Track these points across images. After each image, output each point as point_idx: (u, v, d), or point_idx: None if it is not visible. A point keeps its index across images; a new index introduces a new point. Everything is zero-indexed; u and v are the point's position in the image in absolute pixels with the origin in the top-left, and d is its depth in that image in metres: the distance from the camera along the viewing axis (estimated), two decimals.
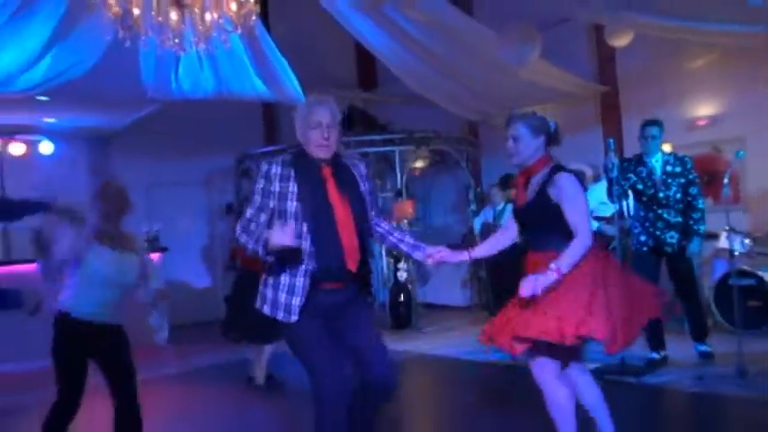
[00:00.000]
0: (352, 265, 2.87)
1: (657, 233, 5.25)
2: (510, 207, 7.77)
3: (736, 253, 5.87)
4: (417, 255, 3.21)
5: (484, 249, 3.39)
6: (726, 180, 5.05)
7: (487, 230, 7.95)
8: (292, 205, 2.83)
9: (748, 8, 5.11)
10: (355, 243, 2.88)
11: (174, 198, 10.16)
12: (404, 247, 3.24)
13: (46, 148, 8.83)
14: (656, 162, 5.27)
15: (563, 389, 3.01)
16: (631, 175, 5.32)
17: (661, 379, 4.98)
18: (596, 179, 7.71)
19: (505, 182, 8.45)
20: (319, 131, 2.86)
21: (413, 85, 8.07)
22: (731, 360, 4.85)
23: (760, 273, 6.10)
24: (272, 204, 2.86)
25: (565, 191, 2.97)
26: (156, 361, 7.24)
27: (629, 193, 5.50)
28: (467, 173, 9.32)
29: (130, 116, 8.53)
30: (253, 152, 9.36)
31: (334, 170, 2.94)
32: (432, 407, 5.25)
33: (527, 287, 2.81)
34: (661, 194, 5.21)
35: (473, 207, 9.10)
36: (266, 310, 2.92)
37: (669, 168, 5.22)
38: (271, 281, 2.92)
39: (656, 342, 5.34)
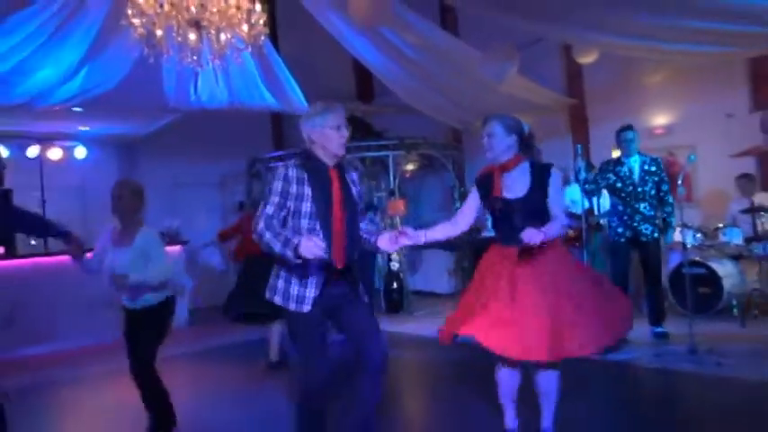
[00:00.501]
0: (340, 262, 2.83)
1: (635, 225, 5.33)
2: None
3: (689, 245, 5.91)
4: (381, 242, 2.99)
5: (436, 234, 3.21)
6: (679, 181, 5.09)
7: (475, 226, 7.97)
8: (307, 206, 2.80)
9: (696, 30, 5.14)
10: (345, 242, 2.86)
11: (192, 197, 10.14)
12: (373, 240, 3.08)
13: (80, 153, 8.80)
14: (634, 162, 5.37)
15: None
16: (611, 175, 5.40)
17: (623, 356, 5.00)
18: (567, 182, 7.75)
19: None
20: (339, 132, 2.85)
21: (404, 97, 8.06)
22: (684, 340, 4.89)
23: (709, 263, 6.14)
24: (288, 204, 2.81)
25: (555, 185, 3.07)
26: (177, 341, 7.23)
27: (603, 191, 5.58)
28: (452, 175, 9.32)
29: (154, 124, 8.51)
30: (262, 156, 9.34)
31: (339, 173, 2.91)
32: (420, 380, 5.26)
33: (532, 235, 2.81)
34: (639, 190, 5.30)
35: (458, 205, 9.12)
36: (277, 300, 2.88)
37: (646, 167, 5.34)
38: (283, 273, 2.88)
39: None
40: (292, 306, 2.83)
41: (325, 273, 2.82)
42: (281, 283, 2.88)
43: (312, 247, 2.58)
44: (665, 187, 5.35)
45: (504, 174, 3.10)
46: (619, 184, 5.37)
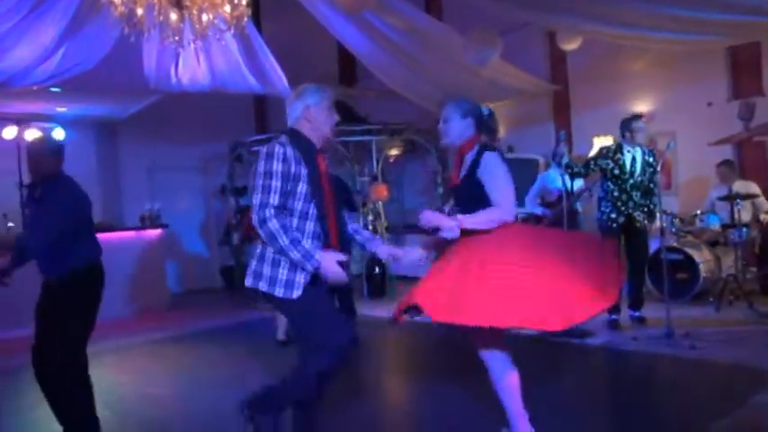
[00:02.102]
0: (336, 247, 2.74)
1: (629, 212, 5.40)
2: None
3: (667, 232, 6.01)
4: (381, 251, 3.02)
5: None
6: (658, 168, 5.16)
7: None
8: (303, 187, 2.67)
9: (678, 19, 5.19)
10: (337, 226, 2.79)
11: (173, 180, 10.08)
12: (359, 239, 3.04)
13: (59, 134, 8.66)
14: (637, 152, 5.40)
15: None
16: (609, 162, 5.42)
17: (601, 340, 5.10)
18: (548, 166, 7.83)
19: None
20: (332, 114, 2.82)
21: (388, 81, 8.04)
22: (661, 324, 4.98)
23: (686, 249, 6.24)
24: (288, 187, 2.65)
25: (487, 168, 2.81)
26: (158, 325, 7.23)
27: (588, 176, 5.62)
28: (435, 160, 9.35)
29: (134, 106, 8.41)
30: (245, 140, 9.28)
31: (323, 155, 2.84)
32: (400, 362, 5.32)
33: (426, 218, 2.77)
34: (639, 179, 5.37)
35: (440, 190, 9.17)
36: (262, 286, 2.69)
37: (647, 158, 5.41)
38: (270, 257, 2.69)
39: (615, 307, 5.44)
40: (279, 293, 2.65)
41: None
42: (266, 269, 2.69)
43: (334, 269, 2.57)
44: (656, 178, 5.41)
45: (465, 157, 2.96)
46: (617, 171, 5.40)
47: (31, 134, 8.25)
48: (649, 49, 7.16)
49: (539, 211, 6.92)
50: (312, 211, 2.70)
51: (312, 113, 2.78)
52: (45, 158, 3.38)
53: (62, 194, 3.31)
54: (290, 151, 2.66)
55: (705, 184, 7.01)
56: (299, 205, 2.68)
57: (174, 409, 4.10)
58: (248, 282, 2.75)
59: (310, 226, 2.70)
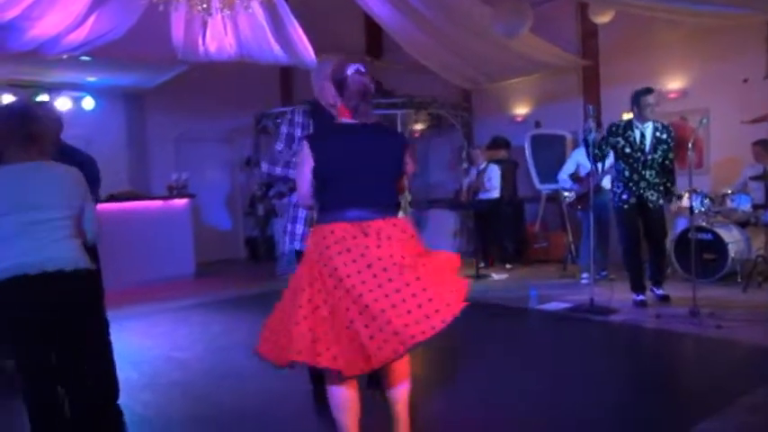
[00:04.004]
0: None
1: (641, 191, 5.24)
2: (492, 166, 7.88)
3: (696, 211, 5.92)
4: None
5: None
6: (690, 146, 5.06)
7: (473, 188, 8.00)
8: None
9: None
10: None
11: (200, 151, 10.18)
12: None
13: (88, 103, 8.79)
14: (646, 128, 5.23)
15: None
16: (619, 139, 5.27)
17: (623, 317, 5.08)
18: (576, 143, 7.75)
19: (494, 143, 8.45)
20: (331, 88, 2.88)
21: (414, 53, 7.97)
22: (686, 303, 4.94)
23: (716, 229, 6.15)
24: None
25: None
26: (183, 293, 7.37)
27: (610, 155, 5.47)
28: (460, 135, 9.29)
29: (162, 76, 8.47)
30: (270, 111, 9.31)
31: None
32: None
33: None
34: (649, 157, 5.20)
35: (465, 165, 9.12)
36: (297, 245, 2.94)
37: (658, 134, 5.21)
38: (292, 215, 2.96)
39: (639, 286, 5.42)
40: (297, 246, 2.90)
41: None
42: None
43: None
44: (671, 156, 5.27)
45: None
46: (627, 150, 5.24)
47: (62, 103, 8.42)
48: (684, 23, 6.96)
49: (568, 185, 6.90)
50: None
51: (316, 90, 2.90)
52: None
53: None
54: (298, 117, 2.84)
55: (738, 163, 6.85)
56: None
57: (199, 373, 4.20)
58: (297, 246, 2.95)
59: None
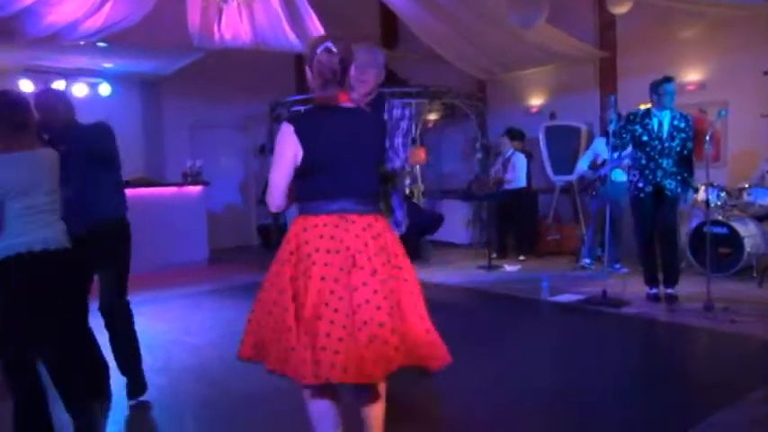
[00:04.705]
0: None
1: (657, 180, 5.19)
2: (518, 154, 7.87)
3: (712, 205, 5.86)
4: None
5: None
6: (707, 138, 4.99)
7: (496, 179, 7.98)
8: None
9: None
10: None
11: (214, 138, 10.23)
12: None
13: (105, 90, 8.84)
14: (664, 116, 5.20)
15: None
16: (637, 127, 5.24)
17: (636, 309, 5.05)
18: (591, 135, 7.70)
19: (508, 135, 8.41)
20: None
21: (429, 42, 7.93)
22: (700, 297, 4.90)
23: (732, 223, 6.08)
24: None
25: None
26: (196, 279, 7.43)
27: (628, 145, 5.42)
28: (474, 125, 9.24)
29: (178, 63, 8.49)
30: (285, 100, 9.31)
31: None
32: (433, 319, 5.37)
33: None
34: (666, 145, 5.16)
35: (479, 156, 9.09)
36: None
37: (676, 123, 5.17)
38: None
39: (652, 279, 5.38)
40: None
41: None
42: None
43: None
44: (690, 145, 5.22)
45: None
46: (645, 138, 5.21)
47: (79, 89, 8.48)
48: (702, 15, 6.86)
49: (583, 171, 6.92)
50: None
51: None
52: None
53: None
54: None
55: (756, 157, 6.76)
56: None
57: (212, 358, 4.25)
58: None
59: None
